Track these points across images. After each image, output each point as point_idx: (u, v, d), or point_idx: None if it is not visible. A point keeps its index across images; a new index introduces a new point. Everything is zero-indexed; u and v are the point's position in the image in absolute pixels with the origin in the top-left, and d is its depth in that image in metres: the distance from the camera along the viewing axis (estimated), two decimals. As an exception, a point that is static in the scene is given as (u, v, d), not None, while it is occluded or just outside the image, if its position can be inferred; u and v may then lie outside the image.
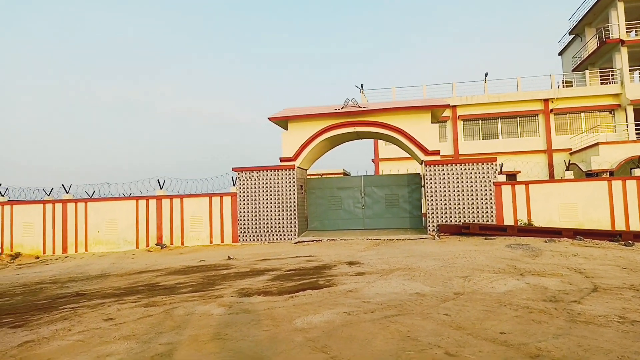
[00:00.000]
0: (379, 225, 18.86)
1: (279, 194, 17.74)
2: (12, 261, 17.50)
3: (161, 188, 18.57)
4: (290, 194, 17.69)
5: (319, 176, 22.33)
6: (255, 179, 17.88)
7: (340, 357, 4.08)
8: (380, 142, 28.45)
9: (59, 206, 18.75)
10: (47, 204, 18.83)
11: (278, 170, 17.87)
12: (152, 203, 18.42)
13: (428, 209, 16.81)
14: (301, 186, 18.58)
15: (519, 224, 16.03)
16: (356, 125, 17.86)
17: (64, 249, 18.47)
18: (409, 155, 19.59)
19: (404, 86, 29.28)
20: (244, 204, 17.87)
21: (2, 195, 19.31)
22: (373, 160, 29.54)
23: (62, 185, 19.24)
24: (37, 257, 17.95)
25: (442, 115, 21.66)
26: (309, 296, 6.93)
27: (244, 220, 17.82)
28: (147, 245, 18.10)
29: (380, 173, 27.52)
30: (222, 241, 17.96)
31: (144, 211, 18.38)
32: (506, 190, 16.53)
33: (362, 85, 29.40)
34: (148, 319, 6.22)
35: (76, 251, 18.37)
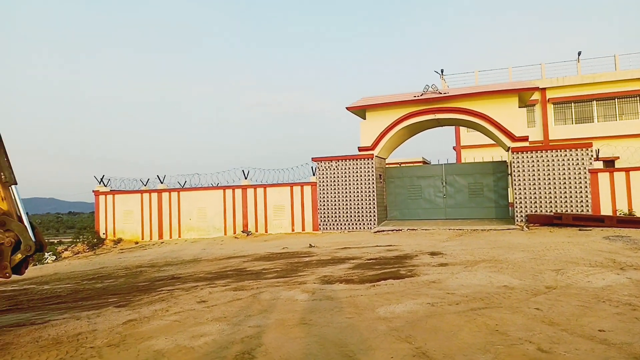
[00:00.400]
0: (462, 215, 18.29)
1: (357, 183, 17.79)
2: (115, 246, 19.20)
3: (246, 178, 19.37)
4: (369, 183, 17.67)
5: (398, 165, 22.03)
6: (334, 169, 18.06)
7: (425, 348, 4.05)
8: (462, 129, 27.45)
9: (154, 195, 20.21)
10: (144, 193, 20.37)
11: (356, 160, 17.90)
12: (238, 192, 19.28)
13: (515, 198, 16.02)
14: (380, 175, 18.48)
15: (618, 215, 14.79)
16: (436, 112, 17.38)
17: (160, 235, 19.92)
18: (494, 142, 18.73)
19: (487, 69, 27.97)
20: (324, 193, 18.13)
21: (105, 186, 21.15)
22: (454, 148, 28.62)
23: (157, 176, 20.72)
24: (137, 243, 19.52)
25: (530, 98, 20.42)
26: (390, 285, 6.93)
27: (324, 209, 18.09)
28: (234, 232, 19.01)
29: (463, 161, 26.60)
30: (303, 229, 18.39)
31: (231, 200, 19.30)
32: (603, 177, 15.30)
33: (442, 71, 28.50)
34: (237, 302, 6.56)
35: (171, 237, 19.75)
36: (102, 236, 20.41)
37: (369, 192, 17.64)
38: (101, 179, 21.14)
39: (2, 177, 4.59)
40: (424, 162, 30.16)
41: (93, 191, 21.09)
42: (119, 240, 19.97)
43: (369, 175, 17.70)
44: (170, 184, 20.74)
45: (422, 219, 18.64)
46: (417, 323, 4.81)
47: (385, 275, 7.87)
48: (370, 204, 17.59)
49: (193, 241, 18.26)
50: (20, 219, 4.63)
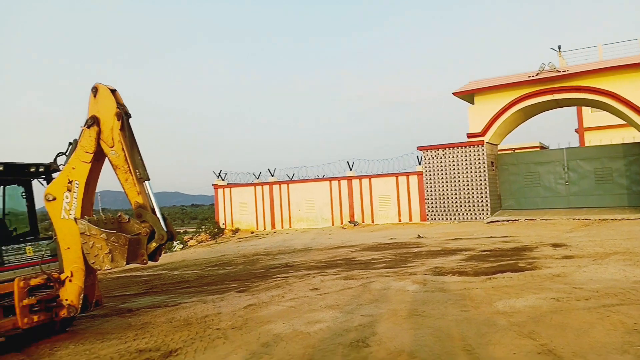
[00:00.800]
0: (587, 204, 16.64)
1: (467, 172, 17.04)
2: (233, 235, 20.55)
3: (351, 169, 19.55)
4: (479, 171, 16.83)
5: (512, 151, 20.63)
6: (441, 157, 17.48)
7: (551, 345, 3.77)
8: (585, 109, 24.92)
9: (266, 188, 21.24)
10: (257, 186, 21.51)
11: (465, 147, 17.14)
12: (344, 183, 19.54)
13: (653, 183, 14.21)
14: (492, 162, 17.51)
15: None
16: (555, 92, 15.99)
17: (272, 225, 20.91)
18: (625, 122, 16.76)
19: (614, 42, 25.00)
20: (431, 182, 17.65)
21: (223, 180, 22.67)
22: (576, 131, 26.17)
23: (268, 169, 21.73)
24: (252, 232, 20.70)
25: (671, 70, 17.92)
26: (508, 279, 6.55)
27: (432, 199, 17.62)
28: (341, 223, 19.32)
29: (587, 144, 24.20)
30: (410, 219, 18.11)
31: (337, 191, 19.62)
32: None
33: (559, 47, 26.08)
34: (348, 291, 6.67)
35: (282, 227, 20.63)
36: (222, 226, 21.94)
37: (480, 180, 16.81)
38: (219, 174, 22.70)
39: (137, 173, 5.10)
40: (542, 147, 27.98)
41: (212, 185, 22.74)
42: (237, 230, 21.33)
43: (479, 163, 16.86)
44: (280, 176, 21.63)
45: (541, 208, 17.30)
46: (541, 319, 4.50)
47: (502, 267, 7.46)
48: (481, 193, 16.77)
49: (303, 231, 18.90)
50: (153, 211, 5.12)
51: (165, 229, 5.07)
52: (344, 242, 13.76)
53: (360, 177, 19.27)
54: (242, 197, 21.83)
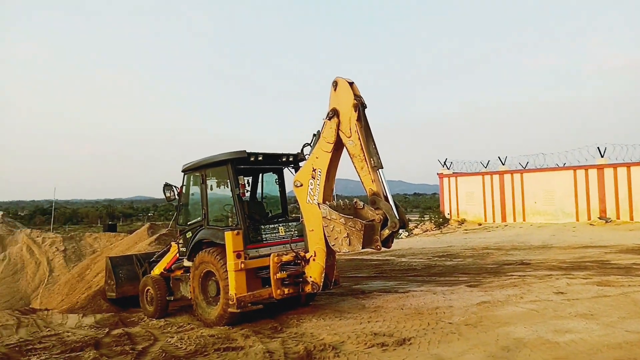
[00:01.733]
0: None
1: None
2: (459, 226, 19.97)
3: (602, 156, 16.81)
4: None
5: None
6: None
7: None
8: None
9: (496, 177, 19.94)
10: (485, 175, 20.37)
11: None
12: (592, 173, 16.94)
13: None
14: None
15: None
16: None
17: (503, 218, 19.53)
18: None
19: None
20: None
21: (448, 169, 22.19)
22: None
23: (498, 157, 20.37)
24: (480, 224, 19.74)
25: None
26: None
27: None
28: (589, 219, 16.83)
29: None
30: (687, 218, 14.62)
31: (583, 182, 17.14)
32: None
33: None
34: (604, 299, 5.65)
35: (514, 220, 19.10)
36: (447, 216, 21.53)
37: None
38: (444, 162, 22.30)
39: (372, 162, 5.24)
40: None
41: (437, 174, 22.48)
42: (463, 221, 20.63)
43: None
44: (512, 165, 20.00)
45: None
46: None
47: None
48: None
49: (539, 226, 17.13)
50: (386, 199, 5.19)
51: (397, 217, 5.10)
52: (593, 242, 11.90)
53: (614, 166, 16.40)
54: (469, 187, 20.98)
